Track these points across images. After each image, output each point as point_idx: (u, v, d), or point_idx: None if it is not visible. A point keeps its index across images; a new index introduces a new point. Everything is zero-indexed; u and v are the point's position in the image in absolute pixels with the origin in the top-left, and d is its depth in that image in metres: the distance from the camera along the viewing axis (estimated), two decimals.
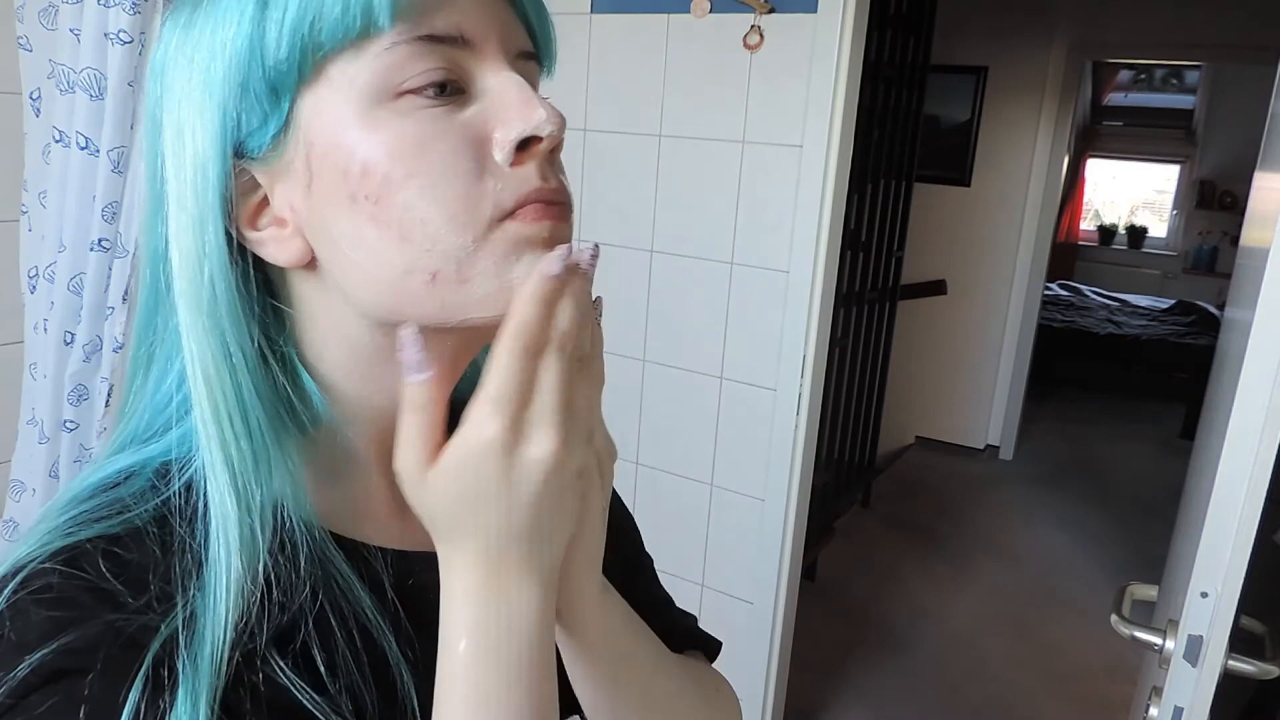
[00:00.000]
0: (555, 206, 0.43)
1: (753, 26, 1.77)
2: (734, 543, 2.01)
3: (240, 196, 0.42)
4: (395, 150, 0.40)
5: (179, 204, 0.42)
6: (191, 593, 0.41)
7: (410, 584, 0.49)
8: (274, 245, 0.43)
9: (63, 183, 1.34)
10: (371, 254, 0.41)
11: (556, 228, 0.43)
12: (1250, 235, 1.30)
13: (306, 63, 0.40)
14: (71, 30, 1.29)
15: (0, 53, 1.49)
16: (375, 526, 0.50)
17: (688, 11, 1.83)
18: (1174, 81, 6.56)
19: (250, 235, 0.43)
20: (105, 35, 1.27)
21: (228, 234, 0.42)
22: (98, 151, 1.31)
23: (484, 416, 0.39)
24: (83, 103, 1.29)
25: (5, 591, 0.39)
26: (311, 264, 0.44)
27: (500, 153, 0.42)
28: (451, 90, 0.41)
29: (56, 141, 1.34)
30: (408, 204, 0.40)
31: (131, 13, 1.27)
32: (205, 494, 0.43)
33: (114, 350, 1.40)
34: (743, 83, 1.81)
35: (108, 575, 0.39)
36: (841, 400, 3.22)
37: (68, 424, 1.42)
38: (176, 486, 0.44)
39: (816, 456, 2.08)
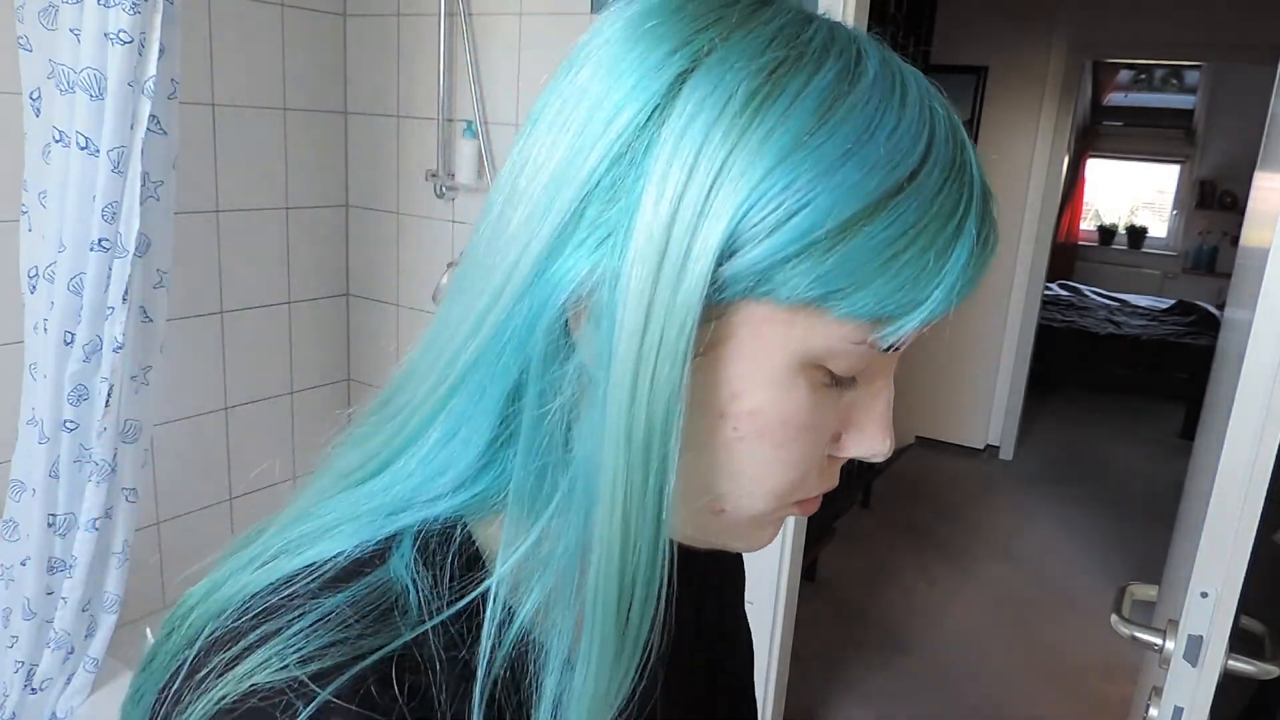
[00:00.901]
0: (820, 499, 0.45)
1: None
2: None
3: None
4: (789, 420, 0.39)
5: (660, 270, 0.35)
6: None
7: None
8: None
9: (63, 183, 1.34)
10: (697, 464, 0.39)
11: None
12: (1250, 235, 1.29)
13: (838, 296, 0.36)
14: (71, 30, 1.29)
15: (0, 53, 1.49)
16: None
17: None
18: (1174, 81, 6.56)
19: None
20: (105, 35, 1.27)
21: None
22: (98, 151, 1.31)
23: None
24: (83, 103, 1.29)
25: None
26: None
27: (837, 451, 0.43)
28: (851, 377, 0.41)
29: (56, 141, 1.34)
30: (761, 462, 0.40)
31: (131, 13, 1.27)
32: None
33: (114, 350, 1.40)
34: None
35: (394, 709, 0.34)
36: None
37: (68, 424, 1.41)
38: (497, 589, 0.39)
39: None
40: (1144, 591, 1.26)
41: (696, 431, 0.38)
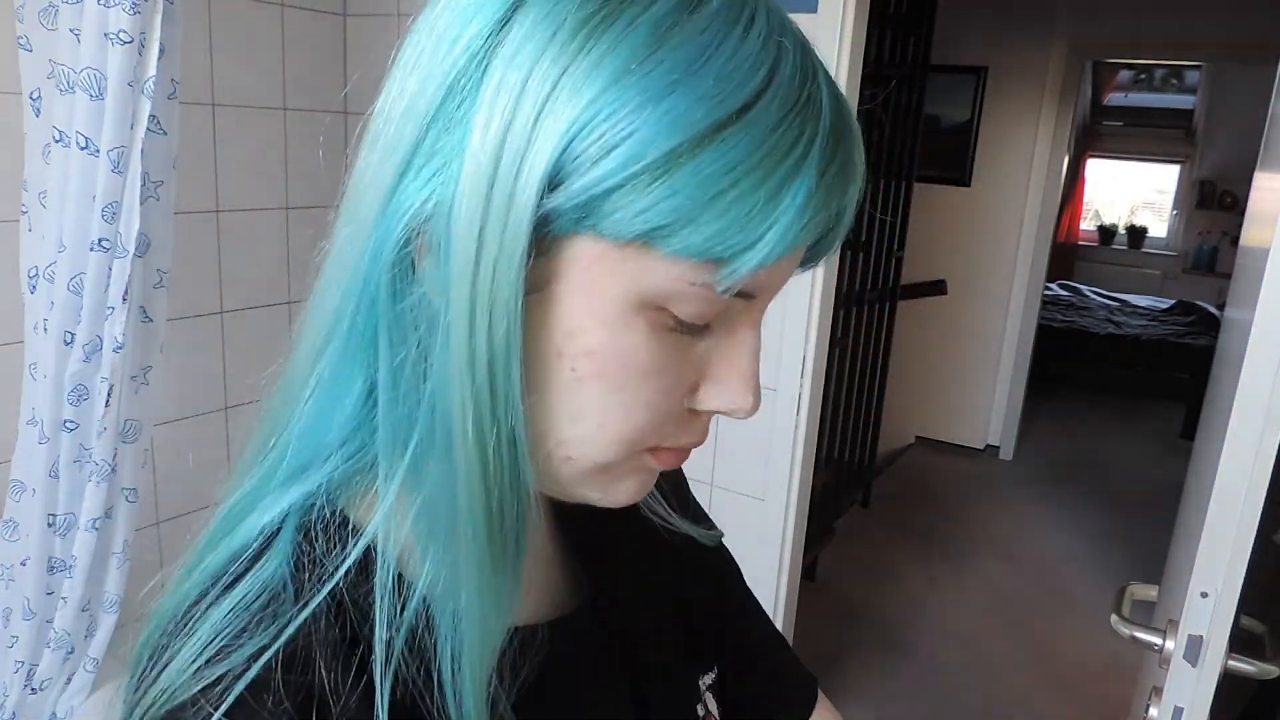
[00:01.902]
0: (688, 452, 0.43)
1: None
2: (734, 543, 2.00)
3: None
4: (627, 360, 0.37)
5: (477, 253, 0.35)
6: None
7: (538, 657, 0.46)
8: None
9: (63, 183, 1.34)
10: (539, 407, 0.39)
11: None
12: (1250, 235, 1.29)
13: (664, 233, 0.35)
14: (71, 30, 1.29)
15: (0, 53, 1.49)
16: None
17: None
18: (1174, 81, 6.56)
19: None
20: (105, 35, 1.27)
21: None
22: (98, 151, 1.31)
23: None
24: (83, 103, 1.29)
25: None
26: None
27: (697, 405, 0.41)
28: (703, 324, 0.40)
29: (56, 141, 1.34)
30: (599, 404, 0.38)
31: (131, 13, 1.27)
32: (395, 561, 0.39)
33: (114, 350, 1.40)
34: None
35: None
36: (841, 400, 3.22)
37: (68, 424, 1.41)
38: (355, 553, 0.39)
39: (816, 456, 2.08)
40: (1144, 591, 1.26)
41: (537, 372, 0.38)
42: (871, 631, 2.93)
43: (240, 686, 0.35)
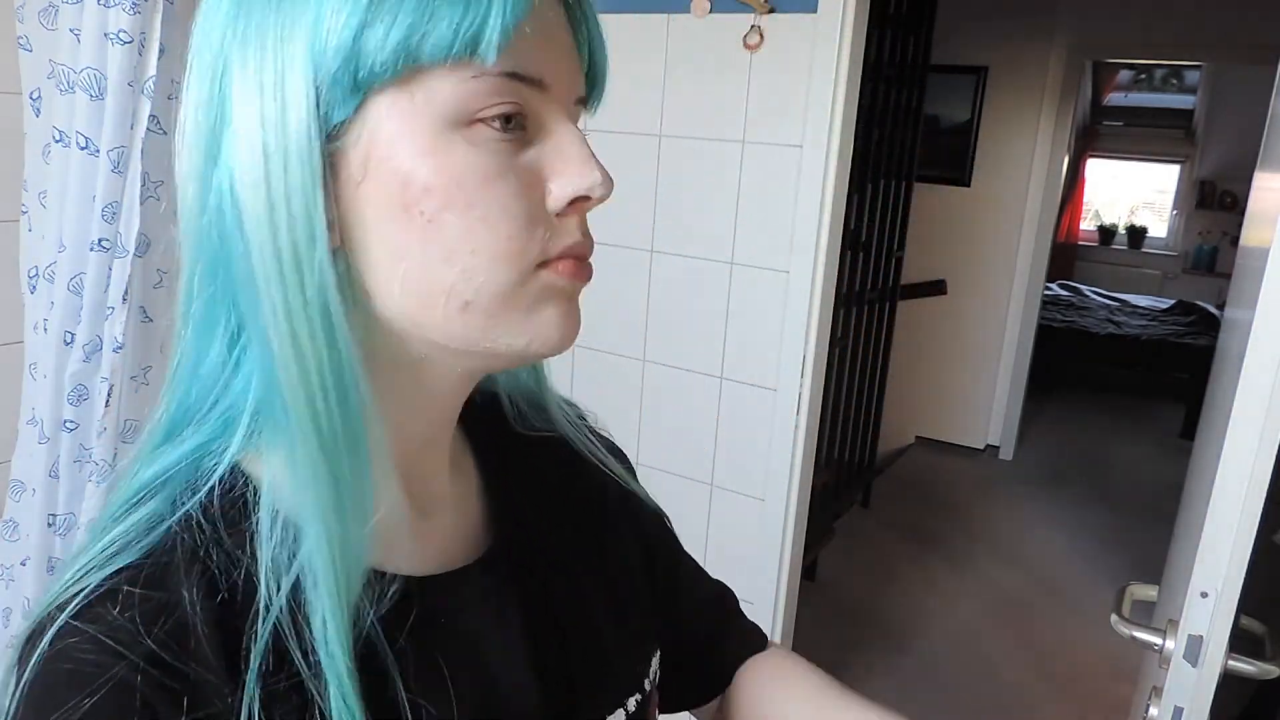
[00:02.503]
0: (585, 264, 0.46)
1: (753, 26, 1.77)
2: (734, 543, 2.01)
3: None
4: (462, 178, 0.41)
5: (276, 155, 0.39)
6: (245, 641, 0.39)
7: (427, 609, 0.47)
8: None
9: (63, 183, 1.34)
10: (413, 267, 0.42)
11: (576, 288, 0.45)
12: (1250, 235, 1.30)
13: (397, 69, 0.39)
14: (71, 30, 1.29)
15: (0, 53, 1.49)
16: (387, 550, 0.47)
17: (688, 11, 1.83)
18: (1174, 81, 6.55)
19: None
20: (105, 35, 1.27)
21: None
22: (98, 151, 1.31)
23: None
24: (83, 103, 1.29)
25: (35, 655, 0.38)
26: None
27: (554, 203, 0.44)
28: (515, 125, 0.42)
29: (56, 141, 1.34)
30: (461, 231, 0.41)
31: (131, 13, 1.27)
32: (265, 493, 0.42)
33: (114, 350, 1.40)
34: (743, 83, 1.81)
35: (126, 628, 0.38)
36: (841, 400, 3.22)
37: (68, 424, 1.41)
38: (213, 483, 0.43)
39: (816, 456, 2.08)
40: (1144, 591, 1.26)
41: (400, 242, 0.41)
42: (871, 631, 2.93)
43: (93, 595, 0.38)
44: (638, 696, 0.57)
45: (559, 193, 0.44)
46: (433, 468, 0.51)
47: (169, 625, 0.38)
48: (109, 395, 1.42)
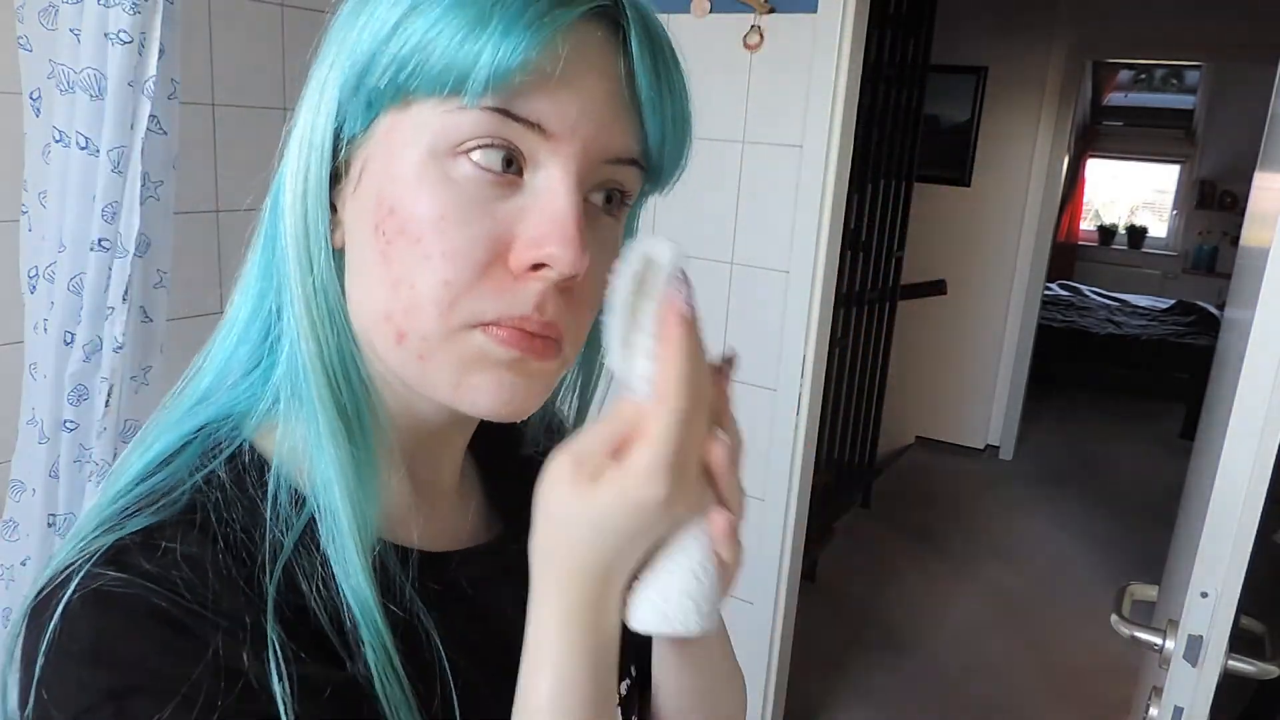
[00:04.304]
0: (537, 340, 0.42)
1: (753, 26, 1.77)
2: None
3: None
4: (426, 209, 0.41)
5: (306, 153, 0.44)
6: (264, 582, 0.40)
7: (445, 582, 0.50)
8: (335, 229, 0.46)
9: (63, 183, 1.34)
10: (371, 284, 0.43)
11: (525, 362, 0.42)
12: (1250, 235, 1.30)
13: (397, 94, 0.41)
14: (71, 30, 1.29)
15: (0, 53, 1.49)
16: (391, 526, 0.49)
17: (688, 11, 1.83)
18: (1174, 81, 6.56)
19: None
20: (105, 35, 1.27)
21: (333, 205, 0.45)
22: (98, 151, 1.31)
23: (657, 476, 0.39)
24: (83, 103, 1.29)
25: (61, 600, 0.38)
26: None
27: (513, 262, 0.41)
28: (513, 169, 0.42)
29: (56, 141, 1.34)
30: (408, 262, 0.41)
31: (131, 13, 1.27)
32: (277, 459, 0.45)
33: (114, 350, 1.40)
34: (743, 83, 1.81)
35: (153, 573, 0.38)
36: (841, 400, 3.22)
37: (68, 424, 1.41)
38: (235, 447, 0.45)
39: (816, 456, 2.08)
40: (1144, 591, 1.26)
41: (365, 257, 0.43)
42: (871, 631, 2.93)
43: (119, 548, 0.39)
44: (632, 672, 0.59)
45: (519, 252, 0.41)
46: (442, 458, 0.53)
47: (193, 575, 0.39)
48: (109, 395, 1.42)
